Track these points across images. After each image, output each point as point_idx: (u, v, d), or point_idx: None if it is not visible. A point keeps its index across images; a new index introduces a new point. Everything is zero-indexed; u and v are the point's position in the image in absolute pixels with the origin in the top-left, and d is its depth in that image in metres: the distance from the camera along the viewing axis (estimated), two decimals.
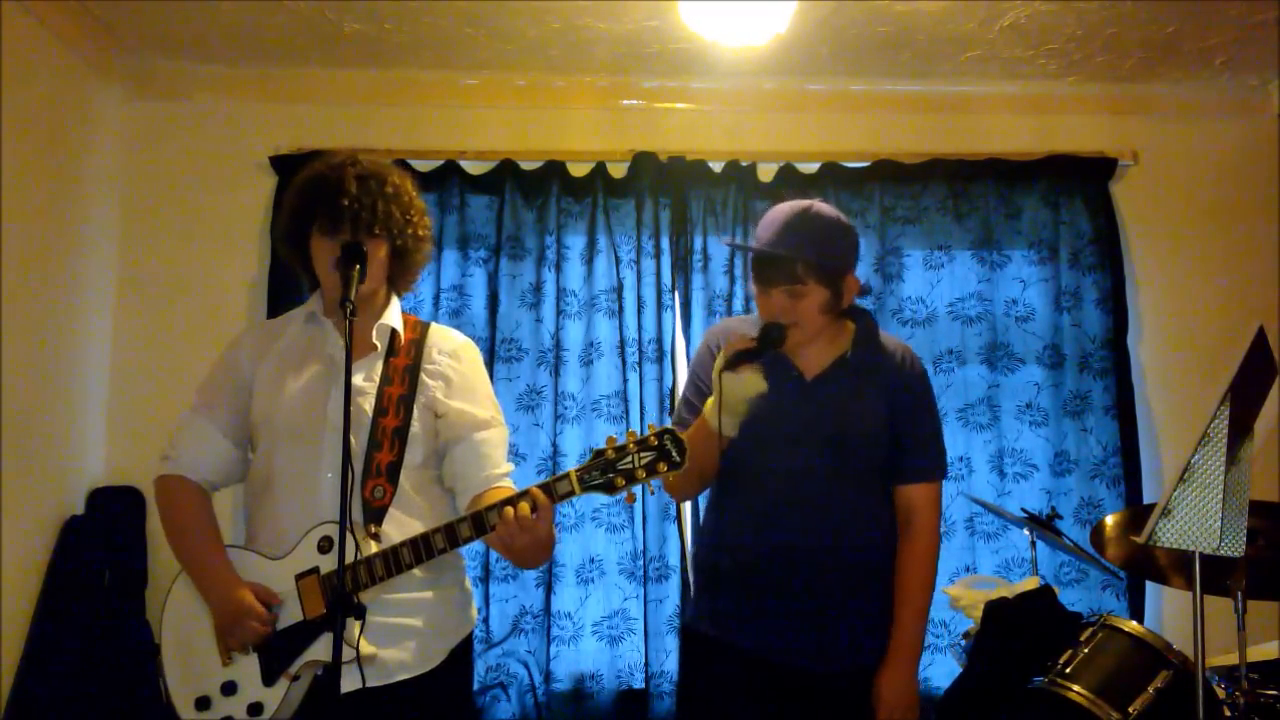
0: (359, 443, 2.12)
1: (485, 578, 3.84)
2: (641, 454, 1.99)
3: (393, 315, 2.26)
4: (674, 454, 1.98)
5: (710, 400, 2.24)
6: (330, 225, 2.13)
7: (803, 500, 2.30)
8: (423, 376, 2.21)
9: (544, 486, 2.02)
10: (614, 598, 3.89)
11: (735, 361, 2.20)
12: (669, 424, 2.13)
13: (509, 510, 1.99)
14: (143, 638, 3.63)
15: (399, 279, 2.29)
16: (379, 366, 2.20)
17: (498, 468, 2.22)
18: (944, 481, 2.47)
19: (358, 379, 2.16)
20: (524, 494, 2.02)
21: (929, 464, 2.42)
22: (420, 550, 2.05)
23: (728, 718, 2.35)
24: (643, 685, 3.82)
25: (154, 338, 3.94)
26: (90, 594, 3.58)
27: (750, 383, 2.19)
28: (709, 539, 2.49)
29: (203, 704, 2.09)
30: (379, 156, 2.32)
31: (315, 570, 2.08)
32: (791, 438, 2.33)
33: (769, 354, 2.26)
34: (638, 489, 2.00)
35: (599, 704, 3.84)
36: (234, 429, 2.24)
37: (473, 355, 2.31)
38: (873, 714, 2.31)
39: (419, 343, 2.25)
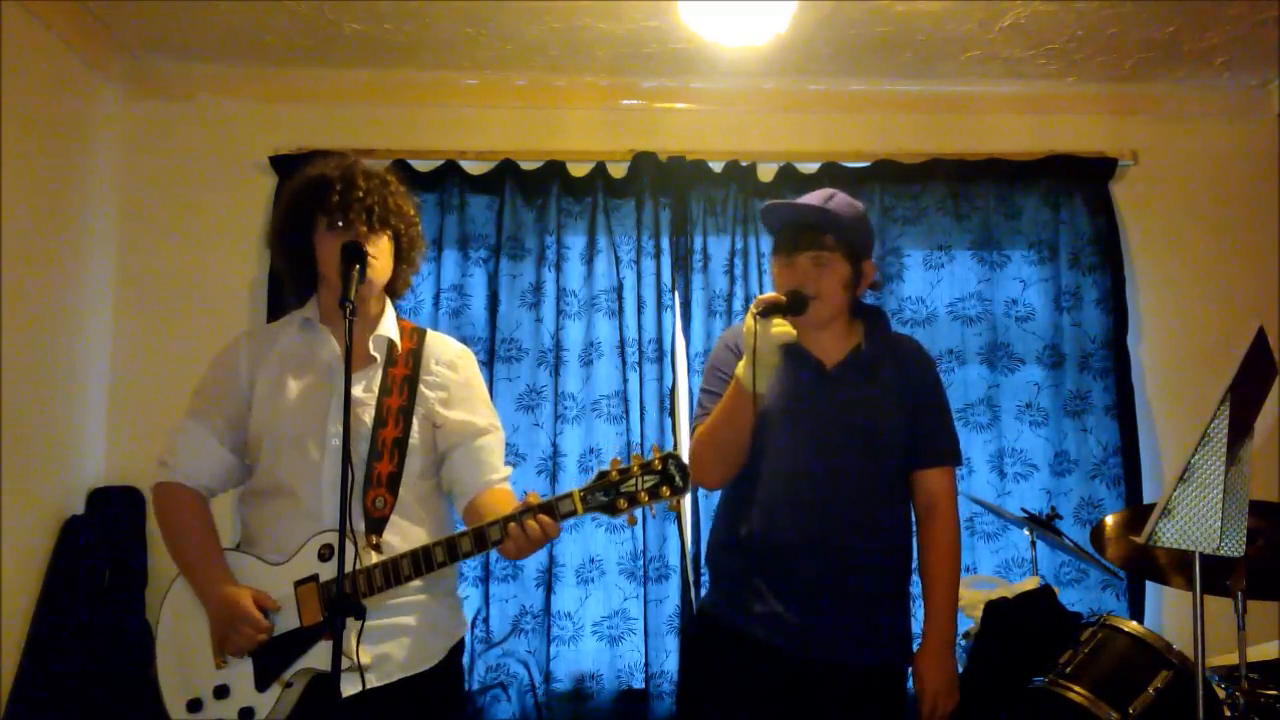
0: (359, 453, 2.12)
1: (485, 578, 3.84)
2: (645, 477, 2.00)
3: (388, 325, 2.26)
4: (677, 479, 1.99)
5: (742, 362, 2.25)
6: (340, 219, 2.14)
7: (825, 491, 2.30)
8: (421, 388, 2.22)
9: (546, 506, 2.03)
10: (614, 598, 3.88)
11: (767, 310, 2.23)
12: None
13: (514, 527, 2.01)
14: (143, 638, 3.63)
15: (397, 280, 2.30)
16: (377, 377, 2.21)
17: (496, 472, 2.24)
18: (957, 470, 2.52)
19: (356, 389, 2.16)
20: (528, 512, 2.02)
21: (947, 448, 2.46)
22: (420, 563, 2.05)
23: (734, 702, 2.34)
24: (643, 685, 3.82)
25: (154, 338, 3.94)
26: (90, 594, 3.58)
27: (781, 331, 2.22)
28: (726, 529, 2.46)
29: (194, 706, 2.09)
30: (379, 156, 2.34)
31: (314, 578, 2.08)
32: (814, 427, 2.34)
33: (793, 315, 2.28)
34: (639, 511, 2.01)
35: (599, 704, 3.83)
36: (230, 436, 2.23)
37: (469, 363, 2.32)
38: (878, 706, 2.31)
39: (416, 352, 2.26)
